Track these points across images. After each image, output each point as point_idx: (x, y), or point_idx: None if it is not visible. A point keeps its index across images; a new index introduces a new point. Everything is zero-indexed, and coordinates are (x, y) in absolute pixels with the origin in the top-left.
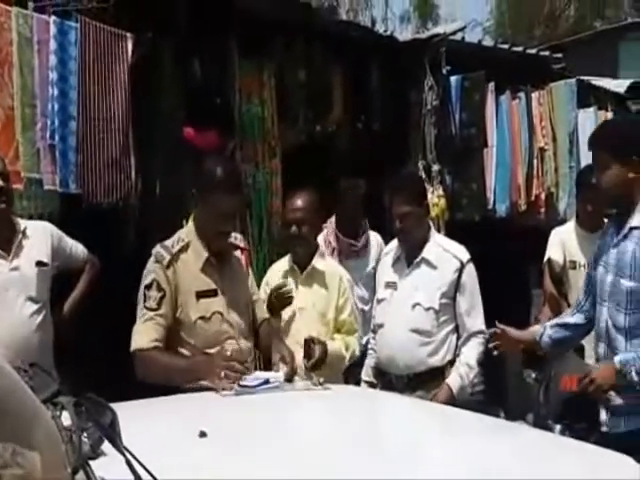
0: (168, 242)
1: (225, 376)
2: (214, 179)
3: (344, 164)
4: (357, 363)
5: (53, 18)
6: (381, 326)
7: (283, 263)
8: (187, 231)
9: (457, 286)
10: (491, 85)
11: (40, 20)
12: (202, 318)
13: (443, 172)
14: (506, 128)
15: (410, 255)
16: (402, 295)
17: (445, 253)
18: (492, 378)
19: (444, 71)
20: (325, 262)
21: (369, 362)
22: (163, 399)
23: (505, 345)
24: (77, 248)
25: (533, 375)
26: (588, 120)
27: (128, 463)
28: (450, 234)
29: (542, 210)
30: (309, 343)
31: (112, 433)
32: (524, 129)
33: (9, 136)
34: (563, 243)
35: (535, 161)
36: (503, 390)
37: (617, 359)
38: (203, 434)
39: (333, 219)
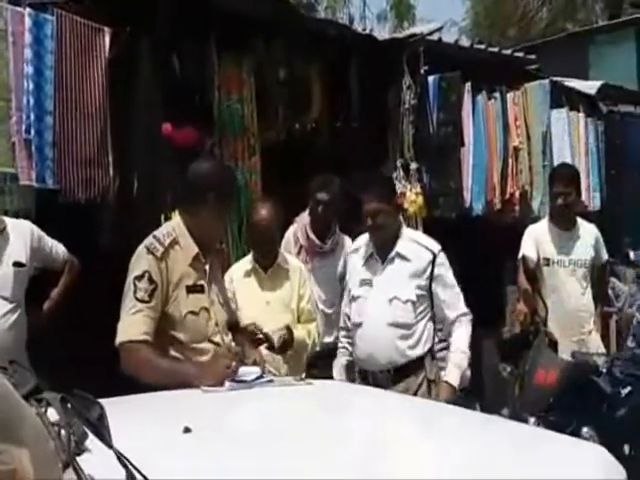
0: (159, 234)
1: (225, 374)
2: (224, 184)
3: (323, 162)
4: (323, 357)
5: (28, 10)
6: (359, 324)
7: (245, 262)
8: (175, 225)
9: (431, 276)
10: (468, 85)
11: (15, 12)
12: (192, 313)
13: (421, 170)
14: (482, 127)
15: (383, 251)
16: (379, 291)
17: (417, 246)
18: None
19: (422, 70)
20: (286, 258)
21: (340, 361)
22: (150, 395)
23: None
24: (57, 248)
25: (508, 369)
26: (560, 121)
27: (119, 458)
28: (427, 231)
29: (516, 208)
30: (260, 329)
31: (101, 428)
32: (499, 128)
33: None
34: (537, 240)
35: (510, 160)
36: (479, 384)
37: None
38: (187, 430)
39: (305, 214)
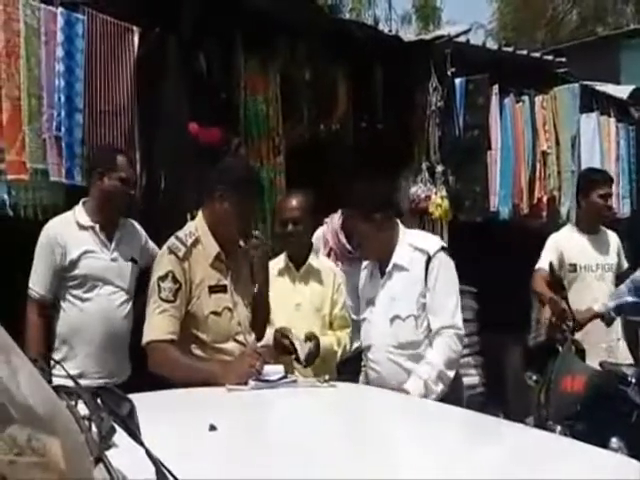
0: (181, 234)
1: (249, 374)
2: (242, 181)
3: (347, 163)
4: (349, 364)
5: (60, 10)
6: (368, 348)
7: (278, 261)
8: (197, 225)
9: (426, 281)
10: (495, 88)
11: (48, 11)
12: (214, 313)
13: (447, 173)
14: (510, 131)
15: (383, 266)
16: (380, 310)
17: (415, 252)
18: (492, 380)
19: (449, 73)
20: (319, 260)
21: (362, 379)
22: (175, 393)
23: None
24: (155, 250)
25: (534, 377)
26: (590, 125)
27: (149, 455)
28: (452, 235)
29: (544, 213)
30: (290, 339)
31: (131, 424)
32: (527, 132)
33: (15, 126)
34: (561, 247)
35: (538, 164)
36: (503, 392)
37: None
38: (213, 427)
39: (336, 216)
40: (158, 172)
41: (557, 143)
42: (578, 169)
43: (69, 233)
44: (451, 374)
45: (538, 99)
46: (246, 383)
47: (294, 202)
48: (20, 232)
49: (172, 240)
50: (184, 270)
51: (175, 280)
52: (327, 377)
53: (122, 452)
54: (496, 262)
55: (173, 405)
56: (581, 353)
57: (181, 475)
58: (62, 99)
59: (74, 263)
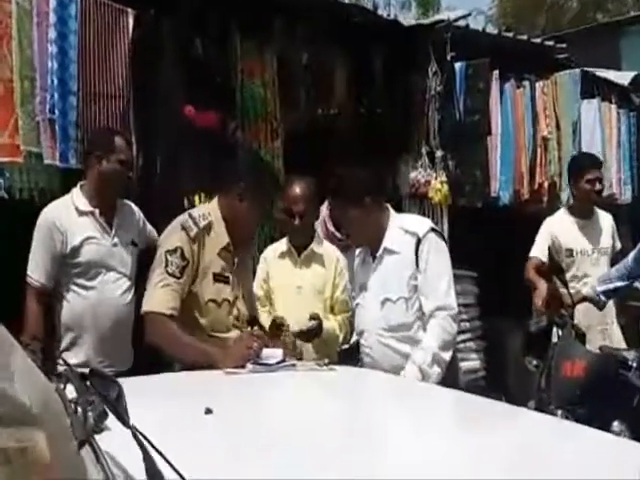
0: (195, 214)
1: (247, 356)
2: (265, 186)
3: (346, 148)
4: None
5: None
6: (361, 334)
7: (280, 244)
8: (211, 210)
9: (417, 263)
10: (495, 73)
11: None
12: (213, 301)
13: (447, 158)
14: (510, 116)
15: (374, 251)
16: (371, 295)
17: (405, 235)
18: (493, 365)
19: (448, 57)
20: (322, 246)
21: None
22: (171, 375)
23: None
24: (152, 231)
25: (534, 362)
26: (591, 111)
27: (135, 437)
28: (452, 220)
29: (545, 199)
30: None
31: (118, 407)
32: (528, 118)
33: (8, 109)
34: (555, 233)
35: (539, 150)
36: (504, 377)
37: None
38: (209, 411)
39: (324, 207)
40: (154, 155)
41: (558, 129)
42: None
43: (69, 219)
44: (447, 356)
45: (539, 85)
46: (244, 366)
47: (298, 192)
48: (17, 215)
49: (185, 217)
50: (193, 250)
51: (183, 257)
52: (327, 361)
53: (117, 435)
54: (497, 247)
55: (169, 388)
56: (581, 337)
57: (176, 460)
58: (55, 81)
59: (76, 250)
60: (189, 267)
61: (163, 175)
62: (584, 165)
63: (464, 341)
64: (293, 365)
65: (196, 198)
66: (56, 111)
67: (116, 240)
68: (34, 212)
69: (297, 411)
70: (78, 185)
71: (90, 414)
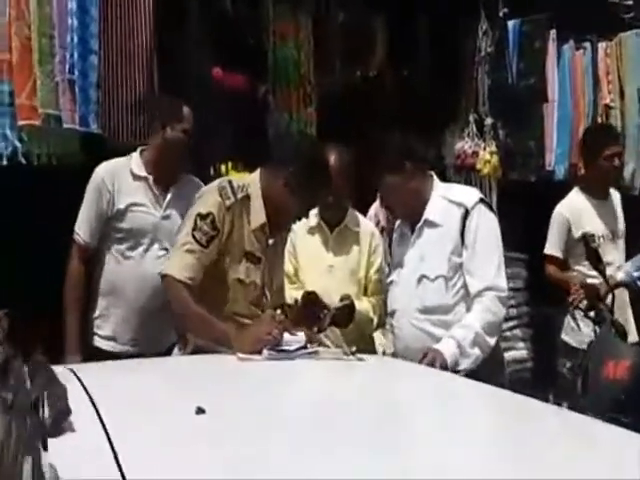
0: (235, 183)
1: (265, 341)
2: (315, 178)
3: (386, 115)
4: None
5: None
6: (392, 314)
7: (311, 217)
8: (251, 183)
9: (462, 238)
10: (553, 33)
11: None
12: (240, 281)
13: (497, 127)
14: (568, 81)
15: (414, 224)
16: (407, 272)
17: (450, 205)
18: (540, 355)
19: (501, 14)
20: (357, 219)
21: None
22: (179, 359)
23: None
24: None
25: (568, 364)
26: None
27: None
28: (502, 196)
29: None
30: (316, 302)
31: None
32: (588, 83)
33: (26, 68)
34: (572, 219)
35: (599, 119)
36: (552, 368)
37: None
38: (200, 410)
39: (375, 205)
40: None
41: (621, 96)
42: None
43: (120, 179)
44: (491, 340)
45: (601, 46)
46: (260, 352)
47: (331, 162)
48: (35, 182)
49: (224, 183)
50: (225, 220)
51: (214, 226)
52: (354, 349)
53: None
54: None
55: (174, 372)
56: (622, 334)
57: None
58: (75, 39)
59: (121, 214)
60: (218, 238)
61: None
62: (602, 139)
63: (510, 329)
64: (315, 352)
65: (222, 167)
66: (76, 71)
67: (168, 212)
68: (52, 179)
69: (307, 416)
70: (138, 149)
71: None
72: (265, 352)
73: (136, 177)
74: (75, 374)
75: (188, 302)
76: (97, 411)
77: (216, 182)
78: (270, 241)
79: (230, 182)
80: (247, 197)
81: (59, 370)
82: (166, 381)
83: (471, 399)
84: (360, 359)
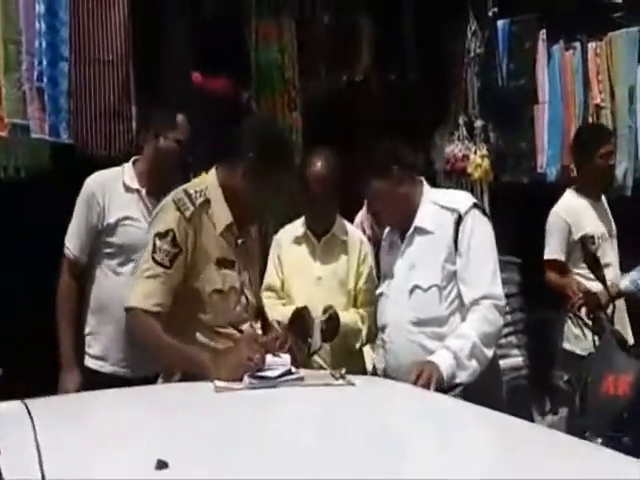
0: (191, 190)
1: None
2: (277, 152)
3: (373, 119)
4: None
5: None
6: (382, 328)
7: (296, 227)
8: (209, 185)
9: (456, 245)
10: (542, 33)
11: None
12: (219, 292)
13: (487, 129)
14: (558, 82)
15: (403, 232)
16: (398, 282)
17: (441, 211)
18: (536, 363)
19: (490, 13)
20: (344, 228)
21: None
22: (148, 389)
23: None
24: None
25: (565, 377)
26: None
27: None
28: (494, 199)
29: None
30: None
31: None
32: (578, 83)
33: None
34: (570, 221)
35: (590, 120)
36: (548, 376)
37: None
38: (162, 464)
39: (361, 213)
40: None
41: (612, 96)
42: (635, 125)
43: (112, 192)
44: (488, 352)
45: (591, 46)
46: (241, 379)
47: (317, 169)
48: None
49: (180, 194)
50: (187, 234)
51: (175, 243)
52: (344, 371)
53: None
54: (543, 230)
55: (142, 408)
56: (623, 345)
57: None
58: (43, 45)
59: (112, 228)
60: (182, 256)
61: None
62: (596, 138)
63: (505, 335)
64: (301, 378)
65: (203, 174)
66: (45, 79)
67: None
68: (20, 193)
69: (290, 459)
70: (131, 160)
71: None
72: (246, 379)
73: (129, 189)
74: (28, 410)
75: (157, 333)
76: (39, 455)
77: (170, 195)
78: (239, 241)
79: (185, 191)
80: (207, 201)
81: (12, 405)
82: (130, 421)
83: (465, 427)
84: (350, 383)
